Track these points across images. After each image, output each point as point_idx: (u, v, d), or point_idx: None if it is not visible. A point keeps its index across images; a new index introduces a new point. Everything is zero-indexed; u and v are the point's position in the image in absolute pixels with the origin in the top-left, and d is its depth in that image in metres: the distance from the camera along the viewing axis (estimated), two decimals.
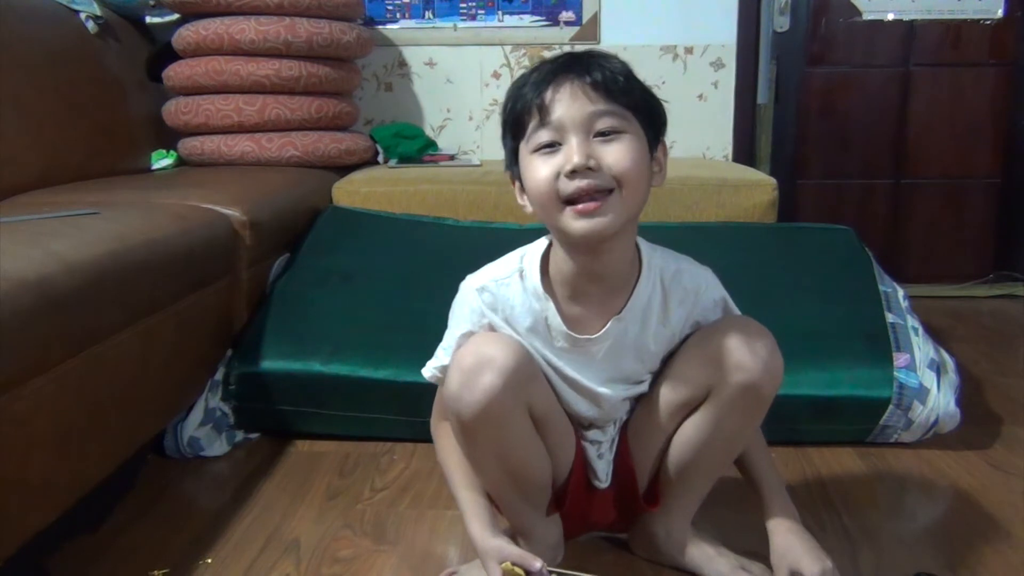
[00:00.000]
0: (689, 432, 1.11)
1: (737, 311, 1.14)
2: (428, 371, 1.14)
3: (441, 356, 1.12)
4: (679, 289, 1.09)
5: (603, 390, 1.11)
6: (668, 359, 1.12)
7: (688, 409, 1.10)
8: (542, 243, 1.10)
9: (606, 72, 0.98)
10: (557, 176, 0.97)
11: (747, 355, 1.03)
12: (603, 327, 1.07)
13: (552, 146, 0.98)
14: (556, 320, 1.06)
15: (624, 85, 0.98)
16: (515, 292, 1.07)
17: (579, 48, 1.04)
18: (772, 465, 1.18)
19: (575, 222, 0.97)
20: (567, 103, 0.97)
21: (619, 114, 0.97)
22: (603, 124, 0.97)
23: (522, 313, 1.07)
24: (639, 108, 0.99)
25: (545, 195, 0.98)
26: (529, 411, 1.06)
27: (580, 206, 0.97)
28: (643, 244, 1.09)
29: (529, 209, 1.05)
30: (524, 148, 1.01)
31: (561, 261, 1.06)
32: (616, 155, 0.97)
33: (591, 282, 1.06)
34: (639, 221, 1.06)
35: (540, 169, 0.98)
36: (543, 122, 0.97)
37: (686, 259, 1.13)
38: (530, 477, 1.11)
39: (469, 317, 1.09)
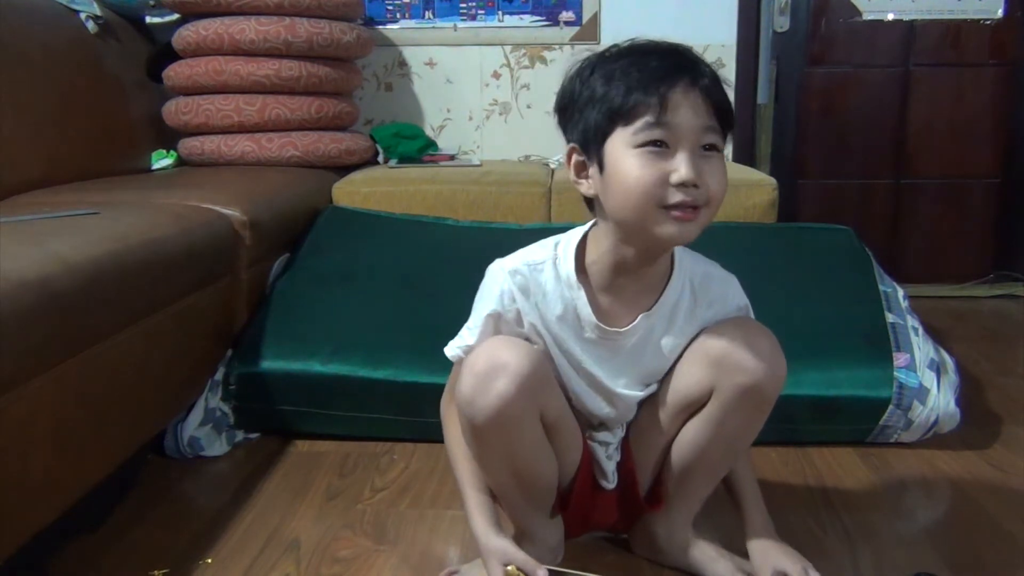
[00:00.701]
0: (691, 433, 1.11)
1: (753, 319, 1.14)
2: (451, 350, 1.12)
3: (466, 336, 1.10)
4: (708, 293, 1.10)
5: (621, 390, 1.11)
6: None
7: (691, 411, 1.10)
8: (578, 233, 1.09)
9: (713, 78, 0.98)
10: (662, 183, 0.95)
11: (749, 356, 1.03)
12: (632, 321, 1.07)
13: (661, 145, 0.96)
14: (586, 311, 1.06)
15: (725, 99, 0.98)
16: (548, 278, 1.07)
17: (672, 41, 1.01)
18: (753, 479, 1.18)
19: (670, 226, 0.96)
20: (687, 110, 0.95)
21: (719, 131, 0.98)
22: (708, 139, 0.97)
23: (554, 300, 1.07)
24: (730, 124, 1.00)
25: (645, 198, 0.96)
26: (541, 416, 1.05)
27: (680, 212, 0.96)
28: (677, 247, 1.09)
29: (589, 191, 1.03)
30: (625, 137, 0.97)
31: (604, 254, 1.05)
32: (717, 176, 0.97)
33: (631, 279, 1.06)
34: None
35: (644, 168, 0.96)
36: (660, 122, 0.95)
37: (714, 264, 1.13)
38: (537, 480, 1.11)
39: (498, 298, 1.07)
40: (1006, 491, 1.43)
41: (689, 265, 1.10)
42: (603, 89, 0.99)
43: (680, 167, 0.95)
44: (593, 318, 1.06)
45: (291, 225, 2.01)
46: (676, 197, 0.95)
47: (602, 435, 1.15)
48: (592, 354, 1.09)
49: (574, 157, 1.04)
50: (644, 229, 0.99)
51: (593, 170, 1.02)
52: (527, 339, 1.07)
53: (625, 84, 0.97)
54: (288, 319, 1.72)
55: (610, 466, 1.16)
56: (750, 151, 2.99)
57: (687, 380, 1.09)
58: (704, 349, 1.08)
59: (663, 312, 1.08)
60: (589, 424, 1.15)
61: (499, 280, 1.08)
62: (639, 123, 0.96)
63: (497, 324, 1.08)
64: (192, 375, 1.58)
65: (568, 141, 1.05)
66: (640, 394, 1.13)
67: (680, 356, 1.11)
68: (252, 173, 2.26)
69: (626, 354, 1.09)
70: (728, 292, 1.12)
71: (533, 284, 1.07)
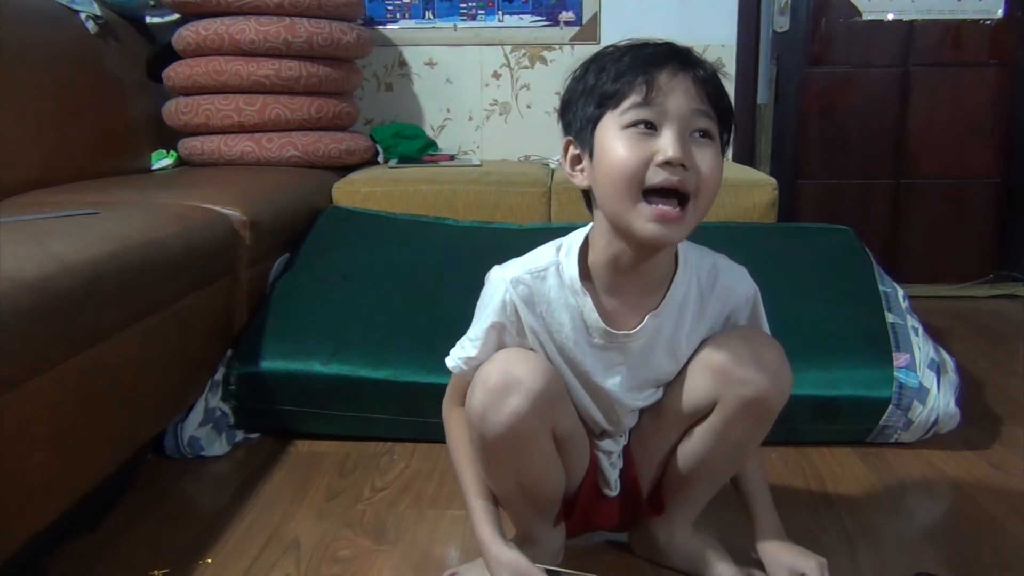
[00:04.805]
0: (693, 442, 1.09)
1: (762, 310, 1.12)
2: (451, 361, 1.09)
3: (468, 347, 1.07)
4: (716, 286, 1.07)
5: (626, 398, 1.09)
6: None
7: (694, 419, 1.09)
8: (579, 236, 1.06)
9: (708, 70, 0.96)
10: (646, 163, 0.93)
11: (754, 369, 1.02)
12: (639, 323, 1.04)
13: (649, 126, 0.93)
14: (593, 316, 1.03)
15: (722, 91, 0.97)
16: (552, 286, 1.04)
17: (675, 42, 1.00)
18: (764, 481, 1.17)
19: (650, 223, 0.94)
20: (675, 90, 0.93)
21: (712, 117, 0.95)
22: (701, 124, 0.94)
23: (559, 308, 1.04)
24: (725, 118, 0.98)
25: (627, 178, 0.93)
26: (552, 431, 1.04)
27: (664, 210, 0.93)
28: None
29: (583, 183, 1.02)
30: (612, 120, 0.95)
31: (602, 253, 1.03)
32: (708, 160, 0.94)
33: (632, 278, 1.03)
34: None
35: (629, 148, 0.93)
36: (648, 101, 0.93)
37: (721, 256, 1.10)
38: (545, 493, 1.10)
39: (499, 310, 1.04)
40: (1006, 491, 1.43)
41: (695, 259, 1.07)
42: (595, 79, 0.98)
43: (666, 145, 0.92)
44: (601, 323, 1.03)
45: (291, 225, 2.01)
46: (659, 176, 0.93)
47: (605, 443, 1.14)
48: (600, 360, 1.06)
49: (570, 150, 1.03)
50: (625, 223, 0.96)
51: (586, 160, 1.00)
52: (530, 349, 1.05)
53: (615, 70, 0.96)
54: (288, 319, 1.72)
55: (613, 474, 1.14)
56: (750, 151, 2.99)
57: (691, 390, 1.07)
58: (709, 360, 1.05)
59: (670, 311, 1.05)
60: (592, 433, 1.14)
61: (500, 290, 1.04)
62: (626, 104, 0.94)
63: (500, 335, 1.05)
64: (192, 375, 1.58)
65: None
66: (645, 402, 1.11)
67: (686, 364, 1.09)
68: (252, 173, 2.26)
69: (635, 357, 1.06)
70: (735, 283, 1.09)
71: (537, 293, 1.04)
